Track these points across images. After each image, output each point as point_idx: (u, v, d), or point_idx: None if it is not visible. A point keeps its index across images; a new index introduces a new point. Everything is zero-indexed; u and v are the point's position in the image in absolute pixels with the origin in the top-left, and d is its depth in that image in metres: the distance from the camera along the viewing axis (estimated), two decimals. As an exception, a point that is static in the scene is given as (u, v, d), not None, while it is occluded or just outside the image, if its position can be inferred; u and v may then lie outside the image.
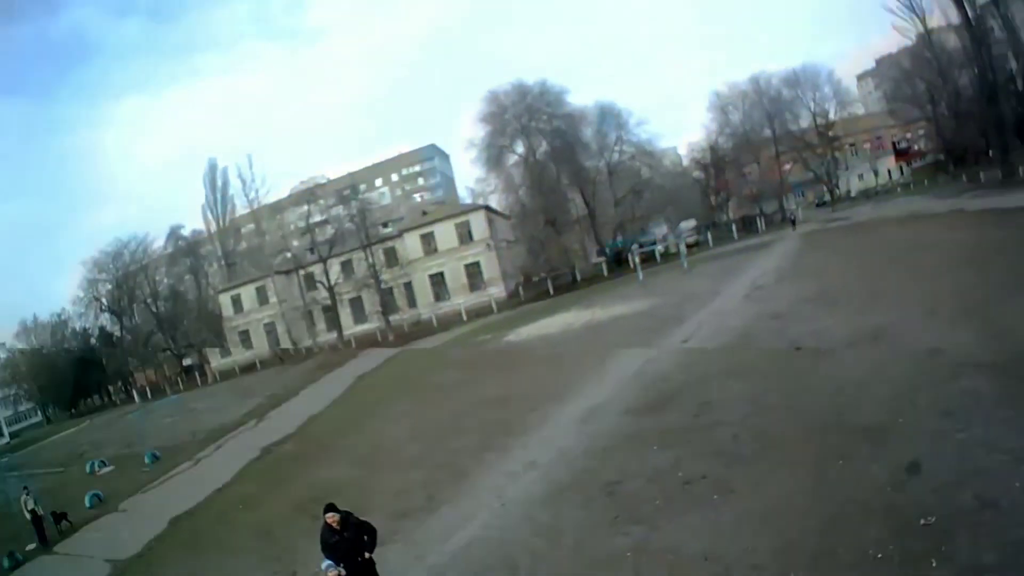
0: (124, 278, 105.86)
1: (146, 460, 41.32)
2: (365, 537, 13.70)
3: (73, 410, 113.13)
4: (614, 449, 18.58)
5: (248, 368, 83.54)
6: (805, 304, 30.42)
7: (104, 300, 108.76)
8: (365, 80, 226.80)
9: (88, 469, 44.71)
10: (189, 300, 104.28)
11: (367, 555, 13.53)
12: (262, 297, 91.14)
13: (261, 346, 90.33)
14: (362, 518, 13.88)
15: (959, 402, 15.02)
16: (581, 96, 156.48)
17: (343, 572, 12.67)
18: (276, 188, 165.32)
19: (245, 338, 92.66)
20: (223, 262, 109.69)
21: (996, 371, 15.81)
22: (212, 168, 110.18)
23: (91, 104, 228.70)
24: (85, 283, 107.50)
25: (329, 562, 12.81)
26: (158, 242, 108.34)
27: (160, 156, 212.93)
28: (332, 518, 13.69)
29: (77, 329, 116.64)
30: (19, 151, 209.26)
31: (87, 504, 33.97)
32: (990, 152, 78.69)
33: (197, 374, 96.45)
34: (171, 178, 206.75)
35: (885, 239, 45.77)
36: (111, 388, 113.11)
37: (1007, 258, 28.46)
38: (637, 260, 65.97)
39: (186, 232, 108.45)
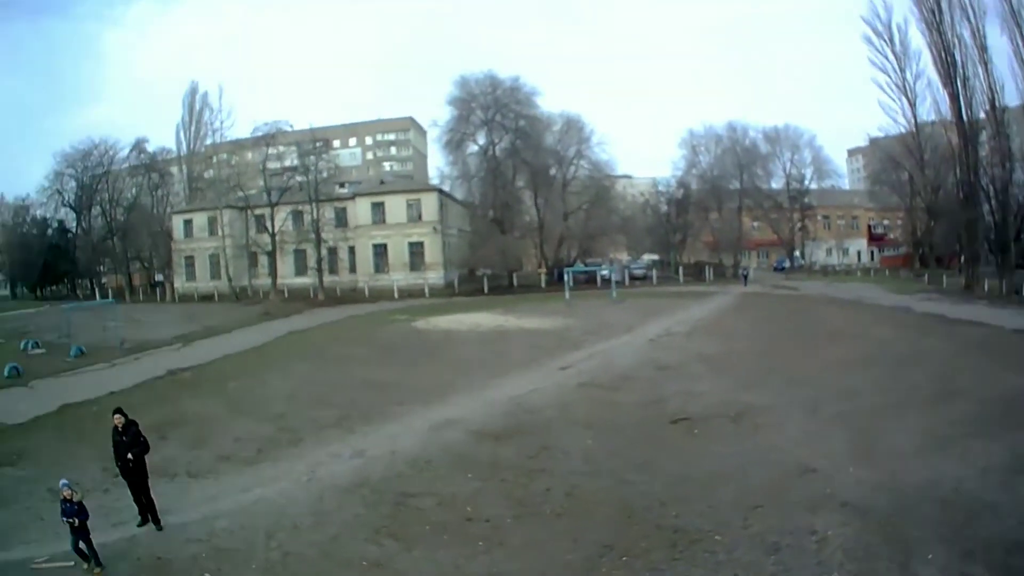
0: (89, 178, 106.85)
1: (71, 352, 43.47)
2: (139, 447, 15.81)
3: (39, 293, 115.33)
4: (437, 464, 19.13)
5: (207, 297, 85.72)
6: (697, 363, 31.15)
7: (67, 195, 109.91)
8: (362, 38, 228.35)
9: (22, 346, 47.28)
10: (146, 214, 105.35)
11: (130, 457, 15.52)
12: (212, 228, 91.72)
13: (204, 275, 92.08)
14: (144, 435, 16.07)
15: (796, 540, 13.50)
16: (550, 101, 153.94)
17: (74, 491, 13.76)
18: (244, 123, 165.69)
19: (190, 263, 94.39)
20: (186, 185, 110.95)
21: (860, 514, 14.29)
22: (193, 90, 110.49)
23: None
24: (52, 174, 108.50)
25: (65, 480, 14.09)
26: (124, 151, 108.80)
27: (151, 67, 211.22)
28: (118, 419, 15.97)
29: (38, 216, 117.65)
30: (15, 28, 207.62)
31: (5, 373, 36.91)
32: (962, 258, 77.29)
33: (159, 291, 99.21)
34: (155, 91, 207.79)
35: (816, 318, 46.62)
36: (78, 282, 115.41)
37: (924, 370, 28.06)
38: (568, 278, 66.84)
39: (151, 148, 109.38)
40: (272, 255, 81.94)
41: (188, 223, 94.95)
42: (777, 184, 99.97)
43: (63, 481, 14.07)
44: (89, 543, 13.74)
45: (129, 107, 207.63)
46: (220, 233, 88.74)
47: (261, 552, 14.34)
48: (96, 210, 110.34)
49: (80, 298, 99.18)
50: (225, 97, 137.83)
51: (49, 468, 19.97)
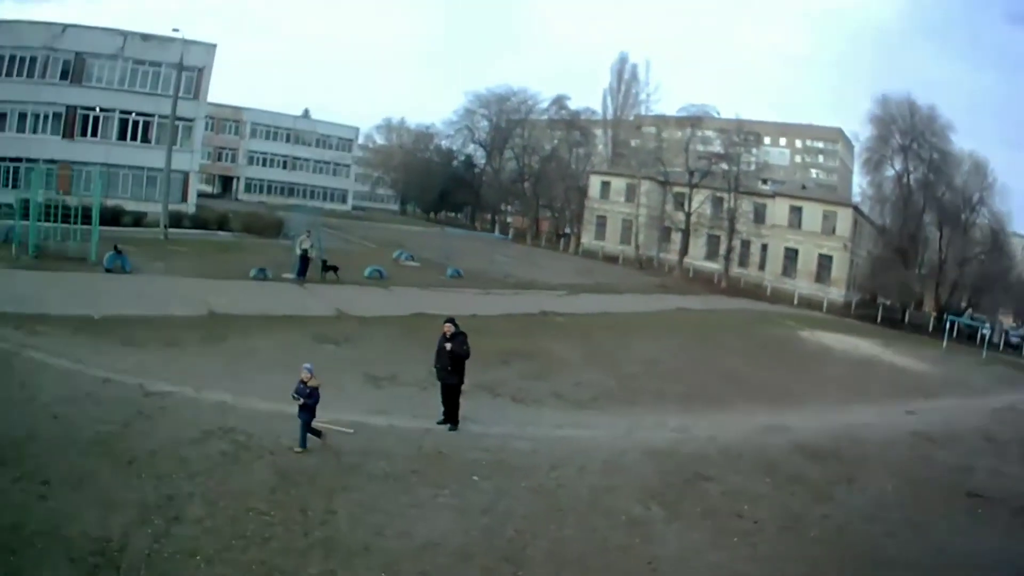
0: (506, 122, 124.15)
1: (448, 272, 48.34)
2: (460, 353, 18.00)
3: (432, 215, 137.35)
4: (744, 460, 20.73)
5: (611, 258, 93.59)
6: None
7: (477, 133, 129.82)
8: (794, 37, 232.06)
9: (395, 256, 53.34)
10: (563, 167, 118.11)
11: (449, 368, 17.94)
12: (629, 194, 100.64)
13: (613, 237, 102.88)
14: (466, 349, 18.31)
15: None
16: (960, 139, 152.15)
17: (313, 375, 15.84)
18: (668, 100, 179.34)
19: (601, 223, 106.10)
20: (609, 149, 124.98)
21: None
22: (622, 60, 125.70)
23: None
24: (462, 111, 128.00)
25: (307, 365, 16.05)
26: (543, 104, 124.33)
27: (573, 30, 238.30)
28: (448, 327, 18.15)
29: (442, 147, 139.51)
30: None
31: (365, 273, 41.92)
32: None
33: (563, 241, 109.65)
34: (577, 55, 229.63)
35: None
36: (477, 215, 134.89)
37: None
38: (951, 327, 69.31)
39: (572, 106, 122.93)
40: (685, 233, 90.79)
41: (606, 185, 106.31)
42: None
43: (306, 365, 15.91)
44: (307, 424, 15.75)
45: (543, 64, 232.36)
46: (636, 201, 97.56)
47: (539, 477, 16.30)
48: (508, 153, 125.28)
49: (477, 230, 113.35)
50: (652, 72, 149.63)
51: (374, 356, 24.09)
